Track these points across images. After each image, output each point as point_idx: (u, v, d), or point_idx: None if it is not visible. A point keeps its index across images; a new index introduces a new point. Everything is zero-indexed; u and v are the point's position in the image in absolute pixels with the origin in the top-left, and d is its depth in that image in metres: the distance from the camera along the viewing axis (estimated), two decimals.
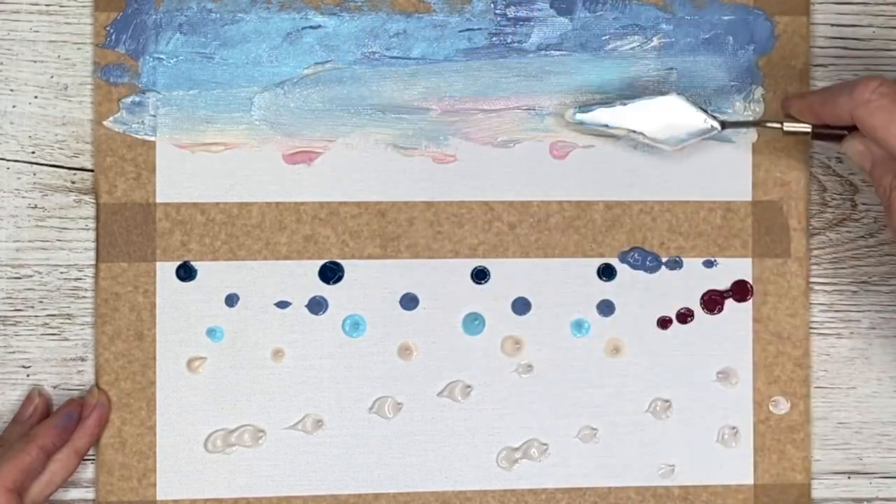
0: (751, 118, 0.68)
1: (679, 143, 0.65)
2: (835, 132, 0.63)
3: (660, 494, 0.68)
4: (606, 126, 0.65)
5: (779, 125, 0.64)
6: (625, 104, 0.65)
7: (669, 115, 0.65)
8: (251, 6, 0.66)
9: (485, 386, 0.67)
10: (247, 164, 0.66)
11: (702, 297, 0.68)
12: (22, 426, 0.64)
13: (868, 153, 0.61)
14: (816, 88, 0.66)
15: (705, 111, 0.65)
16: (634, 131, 0.65)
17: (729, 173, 0.68)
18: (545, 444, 0.67)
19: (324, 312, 0.67)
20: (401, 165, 0.67)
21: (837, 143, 0.63)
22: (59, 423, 0.63)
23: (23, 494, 0.61)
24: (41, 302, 0.66)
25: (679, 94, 0.65)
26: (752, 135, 0.68)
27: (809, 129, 0.64)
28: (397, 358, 0.67)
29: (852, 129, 0.61)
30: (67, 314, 0.66)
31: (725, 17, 0.68)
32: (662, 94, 0.66)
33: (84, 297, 0.66)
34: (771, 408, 0.68)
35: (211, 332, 0.66)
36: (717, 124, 0.65)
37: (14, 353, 0.66)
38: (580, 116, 0.66)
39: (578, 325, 0.67)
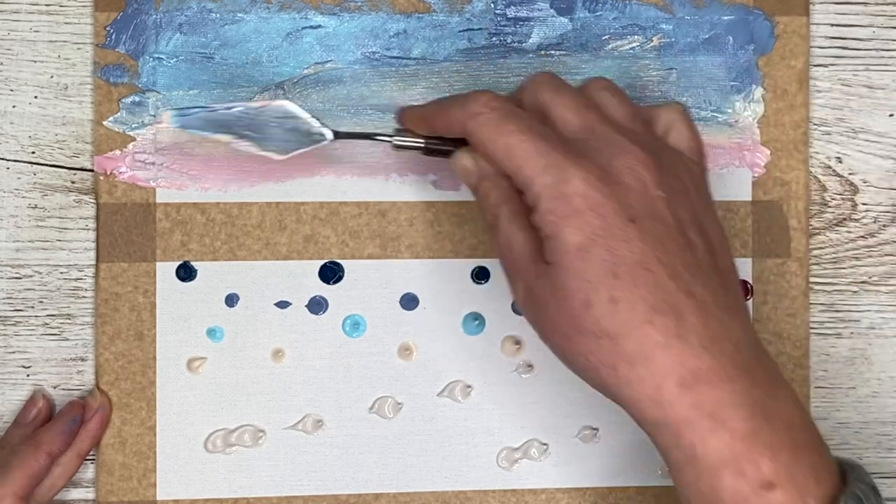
0: (750, 118, 0.68)
1: (289, 153, 0.61)
2: (446, 148, 0.59)
3: (660, 494, 0.68)
4: (205, 132, 0.61)
5: (389, 139, 0.61)
6: (229, 110, 0.61)
7: (280, 123, 0.61)
8: (251, 6, 0.66)
9: (485, 386, 0.67)
10: (247, 164, 0.66)
11: None
12: (24, 429, 0.64)
13: (475, 169, 0.58)
14: (432, 100, 0.62)
15: (318, 119, 0.61)
16: (239, 137, 0.61)
17: (728, 173, 0.68)
18: (545, 444, 0.67)
19: (324, 312, 0.67)
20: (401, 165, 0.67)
21: (447, 158, 0.60)
22: (64, 428, 0.63)
23: (29, 500, 0.61)
24: (41, 302, 0.66)
25: (291, 100, 0.62)
26: (750, 134, 0.68)
27: (422, 144, 0.60)
28: (397, 358, 0.67)
29: (462, 143, 0.58)
30: (67, 314, 0.66)
31: (725, 18, 0.68)
32: (273, 100, 0.62)
33: (84, 297, 0.66)
34: None
35: (211, 332, 0.66)
36: (329, 133, 0.61)
37: (14, 353, 0.66)
38: (176, 122, 0.61)
39: None
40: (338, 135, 0.62)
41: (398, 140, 0.61)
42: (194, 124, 0.61)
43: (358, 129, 0.66)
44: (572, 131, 0.56)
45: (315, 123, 0.61)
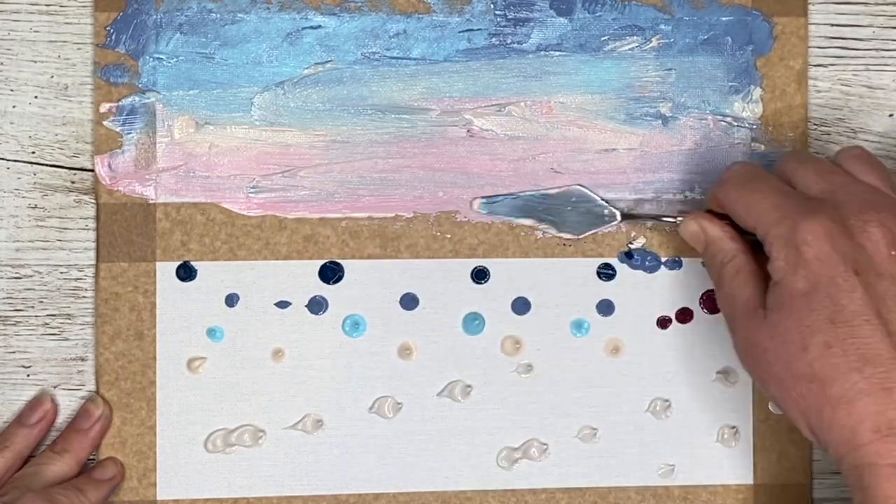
0: (749, 118, 0.68)
1: (583, 234, 0.67)
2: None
3: (660, 494, 0.68)
4: (511, 217, 0.67)
5: (674, 220, 0.65)
6: (530, 196, 0.67)
7: (573, 206, 0.67)
8: (251, 6, 0.66)
9: (485, 386, 0.67)
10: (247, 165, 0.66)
11: (702, 297, 0.68)
12: (29, 430, 0.64)
13: (702, 234, 0.63)
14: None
15: (607, 202, 0.66)
16: (540, 221, 0.67)
17: None
18: (545, 444, 0.67)
19: (324, 312, 0.67)
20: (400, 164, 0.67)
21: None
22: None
23: None
24: (41, 302, 0.65)
25: (582, 185, 0.67)
26: (751, 132, 0.68)
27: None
28: (397, 358, 0.67)
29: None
30: (67, 314, 0.66)
31: (724, 18, 0.68)
32: (567, 186, 0.67)
33: (84, 297, 0.66)
34: (771, 407, 0.68)
35: (211, 332, 0.66)
36: (618, 215, 0.66)
37: (14, 353, 0.66)
38: (484, 208, 0.67)
39: (578, 325, 0.68)
40: (625, 216, 0.66)
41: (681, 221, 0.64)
42: (501, 210, 0.67)
43: (358, 130, 0.66)
44: (815, 192, 0.59)
45: (605, 206, 0.66)
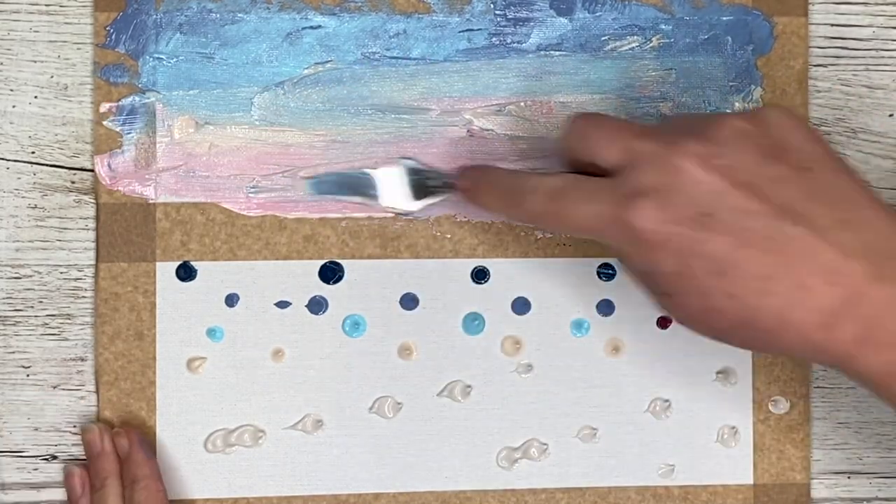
0: None
1: (420, 207, 0.65)
2: None
3: (660, 494, 0.68)
4: (338, 196, 0.66)
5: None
6: (355, 174, 0.66)
7: (405, 180, 0.65)
8: (251, 6, 0.66)
9: (485, 386, 0.67)
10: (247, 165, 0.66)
11: None
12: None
13: None
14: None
15: (439, 172, 0.65)
16: (369, 198, 0.66)
17: None
18: (545, 444, 0.67)
19: (324, 312, 0.67)
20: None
21: None
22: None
23: None
24: (41, 302, 0.65)
25: (412, 158, 0.66)
26: None
27: None
28: (397, 358, 0.67)
29: None
30: (67, 314, 0.66)
31: (724, 18, 0.68)
32: (396, 161, 0.66)
33: (84, 297, 0.66)
34: (770, 407, 0.68)
35: (211, 332, 0.66)
36: (450, 182, 0.64)
37: (14, 353, 0.66)
38: (314, 188, 0.66)
39: (578, 325, 0.68)
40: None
41: None
42: (331, 190, 0.65)
43: (358, 130, 0.66)
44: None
45: (437, 176, 0.65)
